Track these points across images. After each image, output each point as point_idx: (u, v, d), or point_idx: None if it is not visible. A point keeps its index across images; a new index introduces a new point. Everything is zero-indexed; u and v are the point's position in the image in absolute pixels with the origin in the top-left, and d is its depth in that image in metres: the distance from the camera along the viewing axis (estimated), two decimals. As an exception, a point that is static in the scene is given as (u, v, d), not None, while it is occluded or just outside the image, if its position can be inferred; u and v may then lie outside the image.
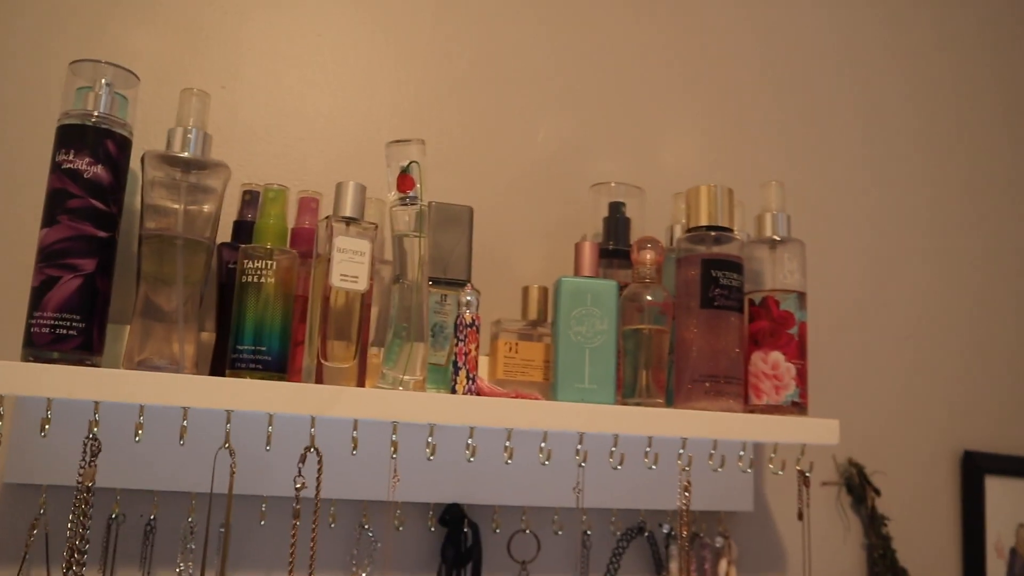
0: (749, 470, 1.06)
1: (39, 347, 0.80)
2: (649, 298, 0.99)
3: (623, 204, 1.11)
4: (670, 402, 1.01)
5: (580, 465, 0.94)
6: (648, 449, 0.95)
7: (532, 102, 1.23)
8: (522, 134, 1.21)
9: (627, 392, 0.98)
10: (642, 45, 1.32)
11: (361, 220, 0.90)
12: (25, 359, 0.79)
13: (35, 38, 1.02)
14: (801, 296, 1.04)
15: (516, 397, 0.91)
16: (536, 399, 0.92)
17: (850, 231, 1.44)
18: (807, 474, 1.04)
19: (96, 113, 0.85)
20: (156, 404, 0.77)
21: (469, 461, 0.88)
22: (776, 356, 1.02)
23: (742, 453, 1.03)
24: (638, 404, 0.97)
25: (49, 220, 0.82)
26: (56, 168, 0.83)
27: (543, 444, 0.91)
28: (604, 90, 1.28)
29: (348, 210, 0.90)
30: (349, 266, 0.88)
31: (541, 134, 1.22)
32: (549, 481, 1.04)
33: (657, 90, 1.32)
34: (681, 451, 0.96)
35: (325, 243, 0.88)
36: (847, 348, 1.38)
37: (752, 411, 1.01)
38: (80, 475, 0.77)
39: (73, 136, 0.84)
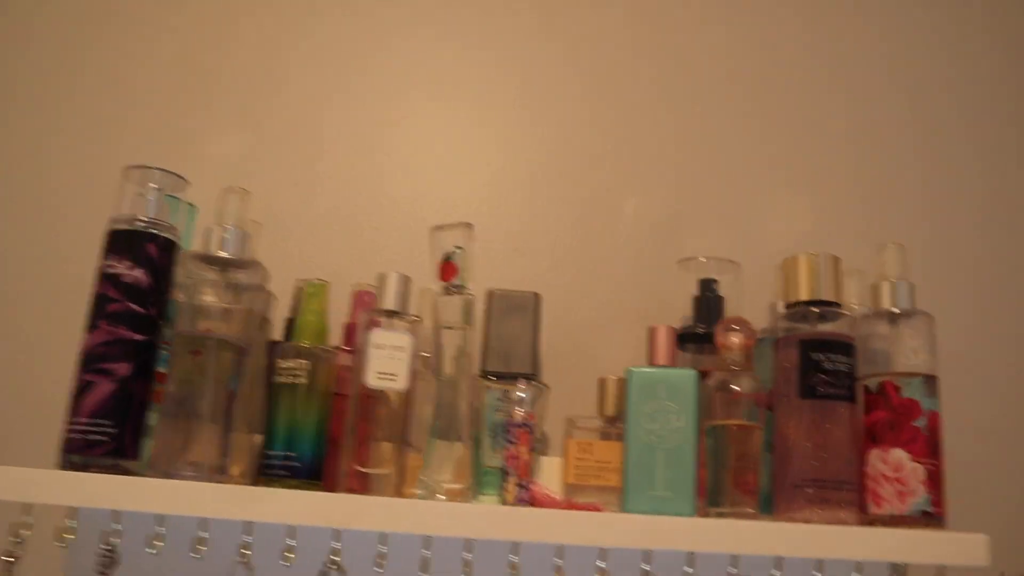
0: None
1: (71, 453, 0.78)
2: (736, 388, 0.86)
3: (714, 281, 0.99)
4: (766, 511, 0.85)
5: (651, 590, 0.80)
6: (734, 571, 0.80)
7: (618, 178, 1.14)
8: (608, 211, 1.12)
9: (710, 500, 0.84)
10: (735, 110, 1.20)
11: (405, 313, 0.84)
12: (61, 466, 0.79)
13: (107, 144, 1.07)
14: (929, 380, 0.87)
15: (570, 508, 0.80)
16: (596, 510, 0.80)
17: (991, 302, 1.21)
18: (952, 603, 0.84)
19: (142, 218, 0.85)
20: (173, 514, 0.73)
21: (514, 584, 0.78)
22: (899, 455, 0.84)
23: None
24: (722, 515, 0.82)
25: (91, 325, 0.82)
26: (100, 273, 0.83)
27: (601, 563, 0.78)
28: (698, 159, 1.17)
29: (390, 302, 0.85)
30: (387, 363, 0.82)
31: (630, 208, 1.12)
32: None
33: (756, 154, 1.19)
34: (776, 573, 0.80)
35: (363, 338, 0.83)
36: (996, 444, 1.14)
37: (871, 523, 0.84)
38: (91, 590, 0.74)
39: (117, 241, 0.84)
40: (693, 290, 0.99)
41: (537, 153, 1.14)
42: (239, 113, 1.11)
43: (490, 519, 0.76)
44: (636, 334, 1.06)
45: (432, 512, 0.75)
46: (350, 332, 0.92)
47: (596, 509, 0.80)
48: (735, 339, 0.88)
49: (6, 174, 1.10)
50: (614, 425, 0.94)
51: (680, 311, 1.03)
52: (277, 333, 0.94)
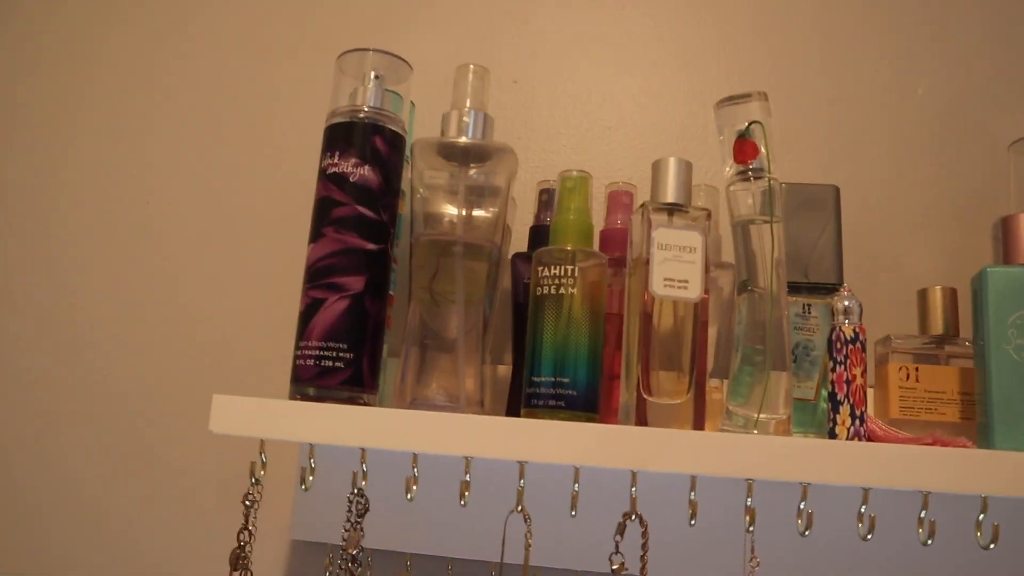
0: None
1: (304, 382, 0.66)
2: None
3: (1064, 163, 0.77)
4: None
5: (1047, 550, 0.61)
6: None
7: (904, 44, 0.92)
8: (896, 89, 0.91)
9: (1111, 437, 0.64)
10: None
11: (688, 206, 0.67)
12: (292, 396, 0.66)
13: (316, 42, 0.94)
14: None
15: (935, 444, 0.61)
16: (967, 447, 0.61)
17: None
18: None
19: (365, 108, 0.71)
20: (430, 453, 0.59)
21: (865, 539, 0.60)
22: None
23: None
24: None
25: (315, 234, 0.69)
26: (322, 174, 0.70)
27: (982, 517, 0.59)
28: (999, 17, 0.93)
29: (670, 195, 0.68)
30: (675, 267, 0.65)
31: (921, 88, 0.91)
32: (992, 570, 0.72)
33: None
34: None
35: (641, 241, 0.66)
36: None
37: None
38: (344, 540, 0.61)
39: (339, 136, 0.70)
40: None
41: (798, 13, 0.93)
42: (448, 7, 0.96)
43: (839, 460, 0.58)
44: (949, 236, 0.85)
45: (761, 450, 0.58)
46: (608, 240, 0.76)
47: (965, 446, 0.61)
48: None
49: (213, 67, 0.99)
50: (943, 346, 0.74)
51: (1004, 206, 0.81)
52: (519, 245, 0.80)
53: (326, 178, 0.69)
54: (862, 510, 0.60)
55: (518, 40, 0.95)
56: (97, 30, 1.02)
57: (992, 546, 0.59)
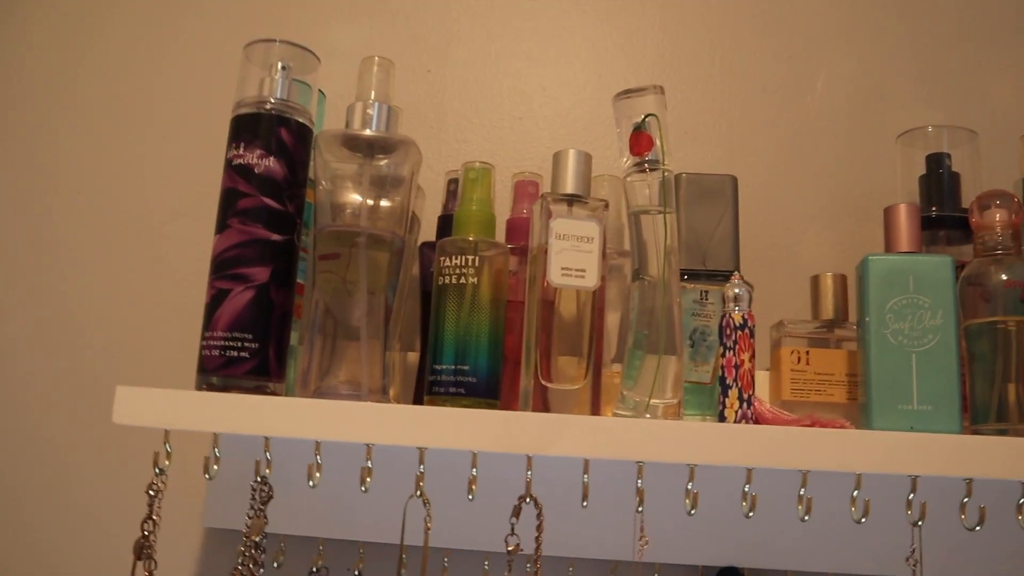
0: None
1: (209, 372, 0.67)
2: (1004, 277, 0.69)
3: (947, 155, 0.81)
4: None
5: (915, 524, 0.65)
6: (1023, 502, 0.64)
7: (804, 40, 0.95)
8: (795, 84, 0.94)
9: (979, 416, 0.68)
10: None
11: (587, 197, 0.69)
12: (198, 386, 0.67)
13: (222, 31, 0.94)
14: None
15: (813, 425, 0.64)
16: (844, 427, 0.65)
17: None
18: None
19: (271, 99, 0.71)
20: (334, 441, 0.61)
21: (747, 516, 0.63)
22: None
23: None
24: (1000, 433, 0.66)
25: (221, 225, 0.70)
26: (228, 165, 0.70)
27: (856, 493, 0.63)
28: (898, 14, 0.97)
29: (569, 186, 0.70)
30: (573, 257, 0.67)
31: (820, 81, 0.94)
32: (865, 543, 0.76)
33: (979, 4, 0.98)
34: (1077, 503, 0.64)
35: (541, 230, 0.68)
36: None
37: None
38: (247, 526, 0.62)
39: (244, 127, 0.71)
40: (918, 169, 0.82)
41: (705, 13, 0.96)
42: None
43: (722, 441, 0.61)
44: (841, 225, 0.89)
45: (648, 433, 0.61)
46: (513, 230, 0.77)
47: (843, 427, 0.65)
48: (999, 216, 0.70)
49: (118, 58, 0.98)
50: (833, 330, 0.78)
51: (894, 196, 0.85)
52: (427, 234, 0.81)
53: (231, 169, 0.70)
54: (747, 489, 0.63)
55: (433, 30, 0.95)
56: None
57: (864, 520, 0.63)
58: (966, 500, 0.63)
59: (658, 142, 0.69)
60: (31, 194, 0.95)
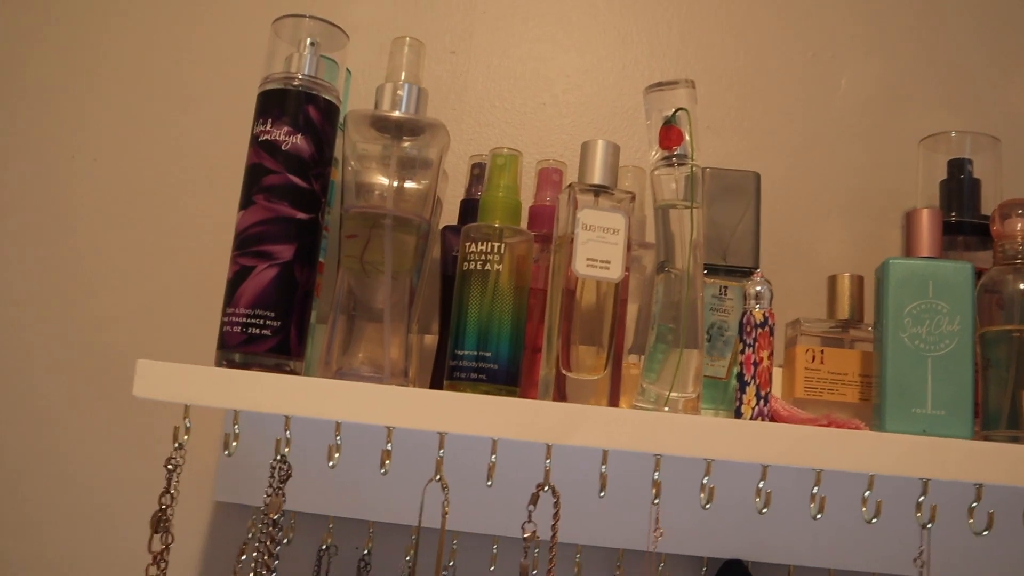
0: None
1: (230, 349, 0.67)
2: (1023, 286, 0.69)
3: (969, 161, 0.81)
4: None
5: (924, 527, 0.66)
6: (1030, 507, 0.65)
7: (831, 41, 0.95)
8: (819, 82, 0.94)
9: (990, 422, 0.69)
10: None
11: (614, 189, 0.69)
12: (218, 363, 0.67)
13: (250, 4, 0.93)
14: None
15: (830, 425, 0.65)
16: (859, 428, 0.66)
17: None
18: None
19: (299, 75, 0.71)
20: (353, 422, 0.61)
21: (761, 513, 0.64)
22: None
23: None
24: (1012, 440, 0.67)
25: (245, 201, 0.69)
26: (254, 141, 0.70)
27: (867, 493, 0.64)
28: (926, 16, 0.97)
29: (597, 177, 0.70)
30: (598, 248, 0.67)
31: (843, 81, 0.94)
32: (874, 542, 0.77)
33: (1010, 8, 0.98)
34: (1085, 512, 0.65)
35: (567, 220, 0.68)
36: None
37: None
38: (265, 504, 0.63)
39: (272, 103, 0.70)
40: (939, 174, 0.82)
41: (731, 6, 0.96)
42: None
43: (738, 437, 0.61)
44: (861, 226, 0.90)
45: (667, 427, 0.61)
46: (536, 217, 0.77)
47: (858, 427, 0.66)
48: (1020, 225, 0.71)
49: (145, 28, 0.97)
50: (848, 331, 0.79)
51: (914, 199, 0.86)
52: (450, 217, 0.81)
53: (258, 145, 0.70)
54: (760, 485, 0.64)
55: (457, 11, 0.95)
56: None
57: (875, 520, 0.64)
58: (975, 505, 0.64)
59: (688, 137, 0.69)
60: (51, 163, 0.94)
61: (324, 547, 0.79)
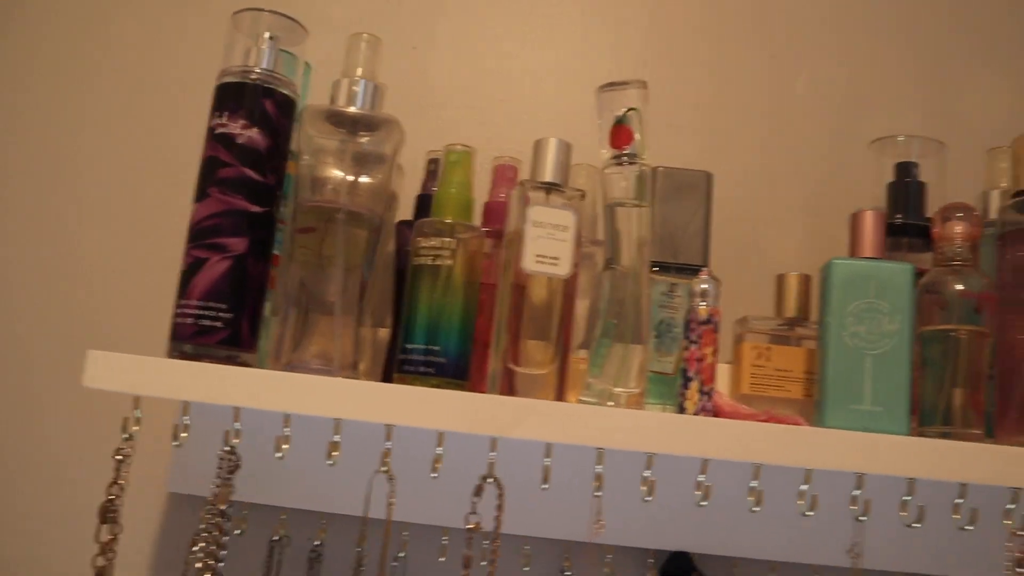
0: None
1: (181, 340, 0.67)
2: (960, 287, 0.71)
3: (915, 165, 0.83)
4: (990, 434, 0.72)
5: (859, 519, 0.68)
6: (960, 501, 0.67)
7: (786, 41, 0.97)
8: (776, 82, 0.96)
9: (926, 418, 0.71)
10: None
11: (565, 186, 0.71)
12: (169, 354, 0.68)
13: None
14: None
15: (769, 421, 0.67)
16: (798, 424, 0.67)
17: None
18: None
19: (256, 69, 0.71)
20: (302, 414, 0.62)
21: (699, 505, 0.66)
22: None
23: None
24: (945, 436, 0.69)
25: (200, 194, 0.70)
26: (210, 133, 0.71)
27: (804, 487, 0.66)
28: (882, 22, 0.99)
29: (548, 174, 0.71)
30: (547, 244, 0.68)
31: (800, 82, 0.96)
32: (811, 535, 0.79)
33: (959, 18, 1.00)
34: (1011, 507, 0.67)
35: (518, 216, 0.69)
36: None
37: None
38: (212, 495, 0.64)
39: (228, 96, 0.71)
40: (887, 176, 0.84)
41: (690, 9, 0.97)
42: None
43: (681, 432, 0.63)
44: (810, 225, 0.91)
45: (610, 421, 0.63)
46: (490, 213, 0.79)
47: (797, 423, 0.67)
48: (959, 228, 0.73)
49: (102, 24, 0.97)
50: (794, 328, 0.80)
51: (864, 201, 0.87)
52: (405, 212, 0.82)
53: (214, 138, 0.70)
54: (701, 479, 0.65)
55: (420, 5, 0.96)
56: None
57: (810, 513, 0.66)
58: (908, 498, 0.66)
59: (638, 136, 0.70)
60: (10, 149, 0.94)
61: (276, 538, 0.80)
